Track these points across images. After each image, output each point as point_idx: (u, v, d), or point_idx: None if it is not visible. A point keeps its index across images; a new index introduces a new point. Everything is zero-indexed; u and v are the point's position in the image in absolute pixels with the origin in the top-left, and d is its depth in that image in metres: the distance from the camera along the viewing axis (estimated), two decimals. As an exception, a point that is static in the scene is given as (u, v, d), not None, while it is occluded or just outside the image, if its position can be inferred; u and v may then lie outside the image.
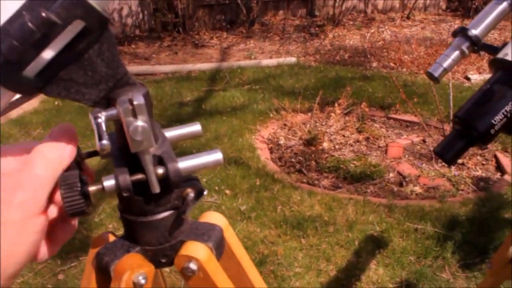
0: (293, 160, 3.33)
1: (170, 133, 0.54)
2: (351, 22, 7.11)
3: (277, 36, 6.61)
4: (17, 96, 0.42)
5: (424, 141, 3.54)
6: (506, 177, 2.99)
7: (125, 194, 0.46)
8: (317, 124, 3.76)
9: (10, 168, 0.42)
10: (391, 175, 3.11)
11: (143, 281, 0.48)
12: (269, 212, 2.70)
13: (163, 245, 0.51)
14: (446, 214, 2.59)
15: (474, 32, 0.90)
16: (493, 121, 0.83)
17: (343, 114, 3.73)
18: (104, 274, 0.51)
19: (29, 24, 0.37)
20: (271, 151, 3.49)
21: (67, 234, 0.47)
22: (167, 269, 1.96)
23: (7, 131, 3.86)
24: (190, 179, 0.50)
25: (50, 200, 0.44)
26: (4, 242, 0.39)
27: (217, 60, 5.67)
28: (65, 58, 0.41)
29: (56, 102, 4.43)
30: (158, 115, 4.01)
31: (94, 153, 0.52)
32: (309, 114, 3.82)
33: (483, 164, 3.18)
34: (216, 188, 2.91)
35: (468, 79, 4.79)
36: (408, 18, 7.32)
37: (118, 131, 0.45)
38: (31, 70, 0.40)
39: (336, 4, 6.95)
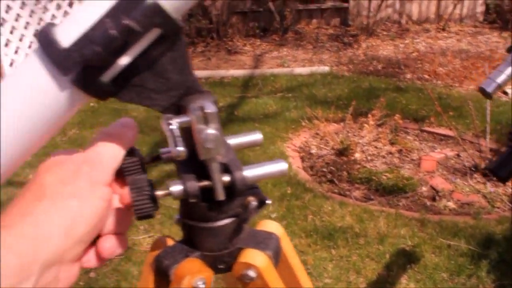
0: (324, 169, 3.31)
1: (231, 141, 0.55)
2: (385, 33, 7.06)
3: (310, 44, 6.61)
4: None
5: (458, 155, 3.48)
6: (544, 196, 2.92)
7: (192, 200, 0.47)
8: (350, 134, 3.74)
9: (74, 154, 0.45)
10: (424, 189, 3.06)
11: (202, 286, 0.49)
12: (300, 221, 2.69)
13: (222, 252, 0.52)
14: (481, 232, 2.53)
15: None
16: None
17: (376, 125, 3.70)
18: (162, 277, 0.52)
19: (112, 31, 0.38)
20: (302, 159, 3.48)
21: (126, 228, 0.48)
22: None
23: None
24: (252, 187, 0.51)
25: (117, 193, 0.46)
26: (73, 203, 0.41)
27: (250, 67, 5.71)
28: (139, 65, 0.43)
29: (92, 104, 4.52)
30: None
31: (156, 158, 0.53)
32: (342, 124, 3.80)
33: (519, 182, 3.11)
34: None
35: (505, 93, 4.69)
36: (443, 29, 7.22)
37: (185, 137, 0.46)
38: (108, 75, 0.42)
39: (370, 14, 6.92)
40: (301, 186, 3.03)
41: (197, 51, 6.34)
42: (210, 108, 0.42)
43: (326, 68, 5.52)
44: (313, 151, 3.59)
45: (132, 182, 0.45)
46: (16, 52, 4.29)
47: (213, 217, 0.50)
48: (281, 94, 4.75)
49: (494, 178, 0.96)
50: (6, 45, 4.15)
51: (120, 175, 0.47)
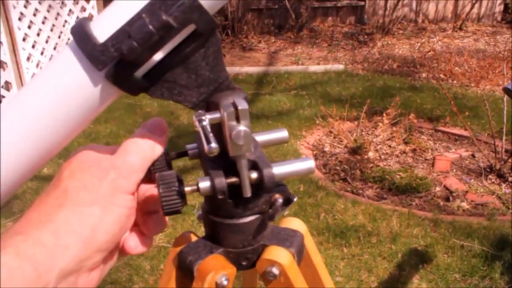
0: (337, 168, 3.31)
1: (258, 137, 0.54)
2: (400, 31, 7.01)
3: (325, 42, 6.58)
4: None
5: (473, 156, 3.45)
6: (560, 198, 2.88)
7: (220, 197, 0.46)
8: (363, 133, 3.73)
9: (102, 152, 0.45)
10: (437, 189, 3.04)
11: (225, 283, 0.49)
12: (312, 219, 2.69)
13: (245, 248, 0.51)
14: (495, 233, 2.51)
15: None
16: None
17: (390, 124, 3.67)
18: (185, 273, 0.52)
19: (150, 26, 0.38)
20: (315, 157, 3.48)
21: (159, 227, 0.48)
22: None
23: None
24: (278, 185, 0.50)
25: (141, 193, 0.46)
26: (95, 211, 0.41)
27: (265, 64, 5.70)
28: (172, 61, 0.43)
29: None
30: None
31: (183, 154, 0.54)
32: (356, 122, 3.79)
33: (535, 183, 3.08)
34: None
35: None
36: (460, 29, 7.15)
37: (215, 135, 0.46)
38: (141, 71, 0.42)
39: (386, 13, 6.87)
40: (314, 184, 3.03)
41: (212, 48, 6.34)
42: (242, 105, 0.42)
43: (340, 66, 5.49)
44: (327, 149, 3.58)
45: (160, 178, 0.45)
46: (33, 46, 4.33)
47: (239, 214, 0.50)
48: (295, 92, 4.74)
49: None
50: (24, 39, 4.19)
51: (147, 172, 0.47)
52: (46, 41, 4.55)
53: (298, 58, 5.87)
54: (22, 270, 0.37)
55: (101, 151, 0.45)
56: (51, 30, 4.63)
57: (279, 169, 0.47)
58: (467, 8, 7.30)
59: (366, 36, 6.76)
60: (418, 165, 3.35)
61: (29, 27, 4.26)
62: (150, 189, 0.47)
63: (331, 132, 3.80)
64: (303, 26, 6.90)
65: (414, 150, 3.52)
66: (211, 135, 0.42)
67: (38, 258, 0.37)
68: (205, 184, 0.46)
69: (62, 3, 4.76)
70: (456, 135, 3.76)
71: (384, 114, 3.63)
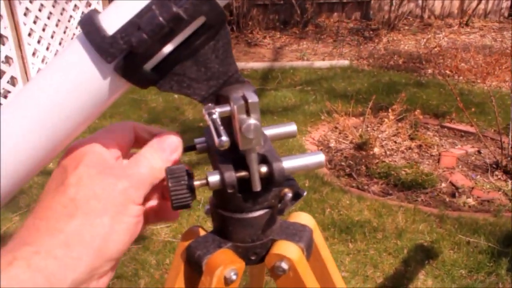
0: (343, 163, 3.30)
1: (267, 131, 0.54)
2: (406, 27, 6.98)
3: (330, 38, 6.56)
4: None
5: (479, 152, 3.43)
6: None
7: (229, 191, 0.46)
8: (369, 128, 3.72)
9: (108, 156, 0.44)
10: (443, 185, 3.03)
11: (234, 277, 0.48)
12: (317, 214, 2.69)
13: (254, 243, 0.51)
14: (501, 229, 2.50)
15: None
16: None
17: (395, 120, 3.66)
18: (193, 267, 0.51)
19: (160, 18, 0.38)
20: (321, 153, 3.47)
21: (171, 217, 0.48)
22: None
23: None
24: (287, 179, 0.49)
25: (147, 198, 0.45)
26: (106, 221, 0.40)
27: (270, 60, 5.69)
28: (181, 53, 0.42)
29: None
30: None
31: (191, 148, 0.53)
32: (361, 118, 3.78)
33: (542, 180, 3.07)
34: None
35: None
36: (466, 24, 7.11)
37: (224, 127, 0.45)
38: (150, 63, 0.41)
39: (392, 8, 6.84)
40: (319, 179, 3.03)
41: (217, 43, 6.34)
42: (252, 98, 0.42)
43: (346, 62, 5.48)
44: (332, 145, 3.58)
45: (169, 171, 0.44)
46: (39, 41, 4.34)
47: (248, 208, 0.49)
48: (300, 87, 4.73)
49: None
50: (29, 35, 4.20)
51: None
52: (52, 36, 4.56)
53: (303, 53, 5.85)
54: (34, 282, 0.36)
55: (105, 149, 0.44)
56: (57, 25, 4.64)
57: (289, 163, 0.47)
58: (474, 4, 7.26)
59: (371, 32, 6.73)
60: (423, 161, 3.34)
61: (34, 22, 4.27)
62: None
63: (336, 127, 3.80)
64: (309, 21, 6.88)
65: (419, 146, 3.51)
66: (221, 128, 0.42)
67: (50, 269, 0.37)
68: (214, 178, 0.46)
69: (68, -2, 4.77)
70: (462, 131, 3.75)
71: (389, 110, 3.62)
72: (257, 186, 0.46)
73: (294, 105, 4.27)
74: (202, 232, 0.55)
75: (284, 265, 0.50)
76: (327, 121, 3.85)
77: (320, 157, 0.48)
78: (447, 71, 5.18)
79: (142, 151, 0.45)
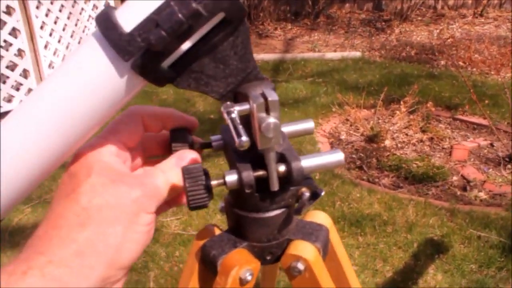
0: (354, 156, 3.29)
1: (284, 129, 0.53)
2: (419, 18, 6.89)
3: (342, 29, 6.51)
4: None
5: (492, 145, 3.39)
6: None
7: (247, 191, 0.45)
8: (380, 121, 3.69)
9: (118, 163, 0.44)
10: (454, 178, 3.01)
11: (249, 278, 0.48)
12: (328, 207, 2.69)
13: (270, 242, 0.50)
14: (513, 223, 2.48)
15: None
16: None
17: (407, 113, 3.63)
18: (208, 267, 0.51)
19: (179, 15, 0.37)
20: (332, 145, 3.46)
21: (179, 201, 0.49)
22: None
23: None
24: (305, 178, 0.48)
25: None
26: (118, 230, 0.40)
27: (281, 51, 5.67)
28: (199, 50, 0.41)
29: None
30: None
31: (207, 145, 0.53)
32: (373, 110, 3.75)
33: (555, 173, 3.03)
34: (275, 179, 2.92)
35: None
36: (481, 15, 7.00)
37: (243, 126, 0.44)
38: (167, 61, 0.40)
39: (405, -1, 6.76)
40: (329, 172, 3.02)
41: (228, 35, 6.33)
42: (272, 96, 0.41)
43: (357, 54, 5.44)
44: (343, 137, 3.56)
45: (186, 171, 0.43)
46: (50, 34, 4.36)
47: (264, 208, 0.48)
48: (312, 79, 4.71)
49: None
50: (41, 27, 4.22)
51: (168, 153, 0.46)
52: (63, 29, 4.58)
53: (315, 45, 5.81)
54: None
55: (114, 155, 0.44)
56: (68, 18, 4.66)
57: (307, 162, 0.46)
58: (488, -6, 7.14)
59: (383, 23, 6.66)
60: (435, 154, 3.31)
61: (46, 15, 4.29)
62: None
63: (347, 120, 3.77)
64: (320, 12, 6.83)
65: (431, 139, 3.48)
66: (241, 127, 0.41)
67: (64, 279, 0.38)
68: (232, 177, 0.45)
69: (79, -10, 4.78)
70: (475, 123, 3.70)
71: (401, 102, 3.59)
72: (275, 186, 0.45)
73: (305, 97, 4.26)
74: (217, 231, 0.54)
75: (300, 266, 0.49)
76: (338, 113, 3.83)
77: (339, 156, 0.47)
78: (460, 63, 5.11)
79: (160, 165, 0.45)
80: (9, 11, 3.84)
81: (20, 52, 4.01)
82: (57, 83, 0.40)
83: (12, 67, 3.93)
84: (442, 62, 5.17)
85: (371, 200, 2.74)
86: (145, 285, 2.22)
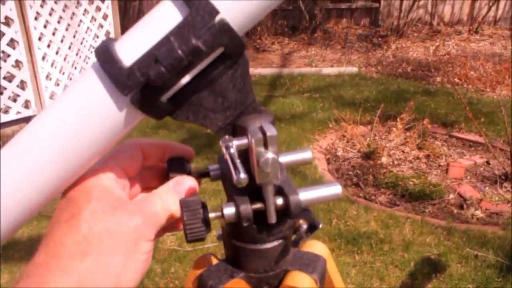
0: (350, 173, 3.29)
1: (282, 159, 0.52)
2: (415, 34, 6.96)
3: (339, 44, 6.55)
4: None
5: (488, 163, 3.41)
6: None
7: (245, 224, 0.45)
8: (377, 137, 3.70)
9: (118, 189, 0.44)
10: (451, 196, 3.01)
11: None
12: (324, 225, 2.68)
13: (267, 273, 0.50)
14: (510, 243, 2.48)
15: None
16: None
17: (403, 129, 3.64)
18: None
19: (179, 51, 0.36)
20: (328, 162, 3.46)
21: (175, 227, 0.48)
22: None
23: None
24: (302, 210, 0.48)
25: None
26: (118, 259, 0.40)
27: (278, 66, 5.69)
28: (198, 84, 0.41)
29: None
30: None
31: (205, 174, 0.52)
32: (369, 126, 3.76)
33: (551, 192, 3.04)
34: (272, 195, 2.91)
35: (538, 100, 4.57)
36: (476, 32, 7.07)
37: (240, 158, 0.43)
38: (167, 94, 0.40)
39: (401, 15, 6.82)
40: (326, 189, 3.01)
41: (225, 48, 6.36)
42: (271, 131, 0.40)
43: (354, 69, 5.47)
44: (339, 153, 3.56)
45: (184, 204, 0.43)
46: (48, 46, 4.36)
47: (262, 239, 0.48)
48: (309, 94, 4.73)
49: None
50: (40, 39, 4.22)
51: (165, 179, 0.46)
52: (61, 41, 4.58)
53: (312, 60, 5.84)
54: None
55: (113, 181, 0.44)
56: (66, 29, 4.66)
57: (305, 195, 0.45)
58: (484, 11, 7.23)
59: (380, 39, 6.71)
60: (431, 171, 3.32)
61: (45, 26, 4.29)
62: None
63: (344, 136, 3.78)
64: (317, 27, 6.87)
65: (427, 156, 3.49)
66: (238, 162, 0.40)
67: None
68: (230, 210, 0.45)
69: (78, 2, 4.78)
70: (471, 141, 3.72)
71: (398, 119, 3.60)
72: (273, 219, 0.45)
73: (302, 112, 4.26)
74: (214, 260, 0.54)
75: None
76: (335, 129, 3.84)
77: (337, 189, 0.47)
78: (456, 79, 5.15)
79: (157, 191, 0.45)
80: (7, 22, 3.84)
81: (17, 63, 4.00)
82: (57, 114, 0.40)
83: (9, 78, 3.92)
84: (438, 79, 5.21)
85: (367, 218, 2.73)
86: (140, 302, 2.20)
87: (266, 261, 0.50)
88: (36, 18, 4.16)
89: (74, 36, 4.79)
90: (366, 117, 3.90)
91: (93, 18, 5.04)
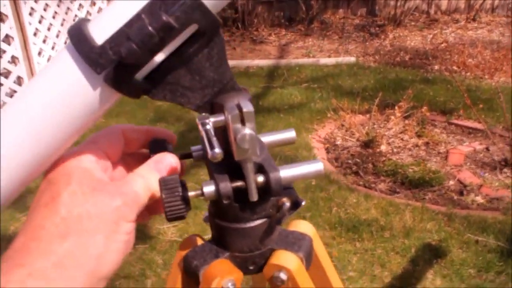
0: (349, 161, 3.28)
1: (264, 138, 0.53)
2: (412, 23, 6.92)
3: (336, 34, 6.53)
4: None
5: (487, 149, 3.40)
6: None
7: (225, 202, 0.45)
8: (375, 126, 3.69)
9: (98, 171, 0.43)
10: (451, 182, 3.01)
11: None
12: (324, 213, 2.68)
13: (253, 253, 0.50)
14: (510, 228, 2.48)
15: None
16: None
17: (402, 117, 3.64)
18: (191, 277, 0.51)
19: (150, 28, 0.36)
20: (327, 151, 3.46)
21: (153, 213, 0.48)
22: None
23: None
24: (285, 188, 0.49)
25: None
26: (99, 240, 0.40)
27: (275, 57, 5.67)
28: (174, 62, 0.41)
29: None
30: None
31: (188, 156, 0.52)
32: (368, 115, 3.75)
33: (551, 177, 3.03)
34: (271, 185, 2.91)
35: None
36: (473, 19, 7.04)
37: (218, 136, 0.44)
38: (141, 73, 0.40)
39: (398, 4, 6.79)
40: (326, 177, 3.01)
41: (222, 41, 6.33)
42: (247, 107, 0.41)
43: (352, 59, 5.45)
44: (338, 142, 3.56)
45: (163, 182, 0.43)
46: (44, 41, 4.34)
47: (245, 218, 0.48)
48: (307, 85, 4.71)
49: None
50: (35, 34, 4.21)
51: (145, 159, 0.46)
52: (57, 36, 4.57)
53: (309, 50, 5.82)
54: None
55: (94, 163, 0.43)
56: (62, 24, 4.64)
57: (286, 172, 0.46)
58: (481, -1, 7.20)
59: (377, 28, 6.69)
60: (431, 158, 3.32)
61: (39, 22, 4.28)
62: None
63: (342, 125, 3.77)
64: (314, 18, 6.84)
65: (427, 144, 3.48)
66: (214, 139, 0.41)
67: None
68: (209, 188, 0.45)
69: (73, -3, 4.77)
70: (470, 128, 3.71)
71: (396, 107, 3.60)
72: (254, 196, 0.45)
73: (300, 102, 4.25)
74: (200, 241, 0.54)
75: (283, 276, 0.49)
76: (334, 118, 3.83)
77: (319, 166, 0.47)
78: (454, 67, 5.14)
79: (138, 170, 0.45)
80: (2, 18, 3.82)
81: (13, 59, 3.98)
82: (32, 95, 0.40)
83: (6, 74, 3.91)
84: (436, 67, 5.19)
85: (367, 206, 2.73)
86: (142, 293, 2.20)
87: (251, 240, 0.50)
88: (30, 14, 4.14)
89: (70, 31, 4.77)
90: (365, 106, 3.90)
91: (89, 13, 5.02)
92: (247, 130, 0.41)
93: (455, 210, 2.68)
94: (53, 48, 4.50)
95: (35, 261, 0.38)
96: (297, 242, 0.52)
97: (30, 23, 4.12)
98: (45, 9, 4.34)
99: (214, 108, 0.44)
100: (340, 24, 6.90)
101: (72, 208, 0.40)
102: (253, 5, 6.64)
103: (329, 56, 5.62)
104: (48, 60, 4.42)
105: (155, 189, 0.44)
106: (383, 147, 3.40)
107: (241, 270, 0.50)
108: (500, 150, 3.25)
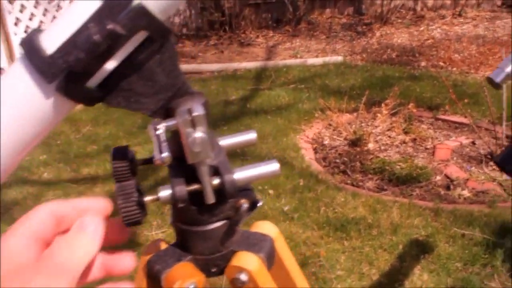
0: (337, 160, 3.30)
1: (225, 141, 0.54)
2: (399, 20, 6.96)
3: (323, 34, 6.55)
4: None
5: (473, 143, 3.42)
6: (562, 182, 2.86)
7: (180, 205, 0.46)
8: (363, 124, 3.71)
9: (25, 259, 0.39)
10: (438, 178, 3.03)
11: None
12: (312, 213, 2.69)
13: (214, 255, 0.51)
14: (496, 220, 2.50)
15: None
16: None
17: (389, 115, 3.66)
18: (153, 281, 0.51)
19: (95, 36, 0.37)
20: (315, 151, 3.47)
21: (120, 238, 0.46)
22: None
23: (58, 128, 4.00)
24: (244, 189, 0.50)
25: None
26: None
27: (263, 59, 5.69)
28: (126, 69, 0.42)
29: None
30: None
31: (148, 161, 0.52)
32: (355, 114, 3.77)
33: (537, 169, 3.05)
34: (260, 187, 2.92)
35: (522, 79, 4.59)
36: (459, 15, 7.09)
37: (175, 141, 0.45)
38: (94, 80, 0.41)
39: (385, 2, 6.82)
40: (313, 178, 3.02)
41: (210, 44, 6.34)
42: (198, 111, 0.42)
43: (339, 58, 5.47)
44: (326, 142, 3.57)
45: (119, 188, 0.44)
46: (25, 32, 4.34)
47: (204, 221, 0.49)
48: (294, 86, 4.73)
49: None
50: (16, 24, 4.17)
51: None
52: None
53: (297, 51, 5.84)
54: None
55: (23, 249, 0.39)
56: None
57: (240, 174, 0.47)
58: (466, -6, 7.24)
59: (364, 27, 6.72)
60: (418, 154, 3.34)
61: (25, 31, 4.27)
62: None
63: (330, 125, 3.79)
64: (301, 19, 6.87)
65: (414, 140, 3.50)
66: (164, 144, 0.42)
67: None
68: (165, 193, 0.45)
69: (58, 6, 4.76)
70: (457, 122, 3.74)
71: (383, 105, 3.61)
72: (210, 199, 0.46)
73: (288, 103, 4.27)
74: (163, 246, 0.54)
75: (244, 277, 0.49)
76: (321, 118, 3.85)
77: (274, 166, 0.48)
78: (441, 63, 5.17)
79: (64, 236, 0.41)
80: (-14, 30, 3.82)
81: (0, 71, 3.98)
82: None
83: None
84: (423, 63, 5.22)
85: (355, 204, 2.75)
86: (131, 300, 2.20)
87: (211, 243, 0.50)
88: (16, 24, 4.14)
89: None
90: (352, 105, 3.91)
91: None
92: (198, 134, 0.42)
93: (442, 205, 2.69)
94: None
95: None
96: (258, 243, 0.52)
97: (15, 34, 4.12)
98: (30, 19, 4.34)
99: (168, 113, 0.45)
100: (327, 24, 6.93)
101: None
102: (240, 7, 6.66)
103: (317, 56, 5.64)
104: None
105: (89, 250, 0.41)
106: (371, 145, 3.41)
107: (203, 272, 0.51)
108: (486, 144, 3.28)
